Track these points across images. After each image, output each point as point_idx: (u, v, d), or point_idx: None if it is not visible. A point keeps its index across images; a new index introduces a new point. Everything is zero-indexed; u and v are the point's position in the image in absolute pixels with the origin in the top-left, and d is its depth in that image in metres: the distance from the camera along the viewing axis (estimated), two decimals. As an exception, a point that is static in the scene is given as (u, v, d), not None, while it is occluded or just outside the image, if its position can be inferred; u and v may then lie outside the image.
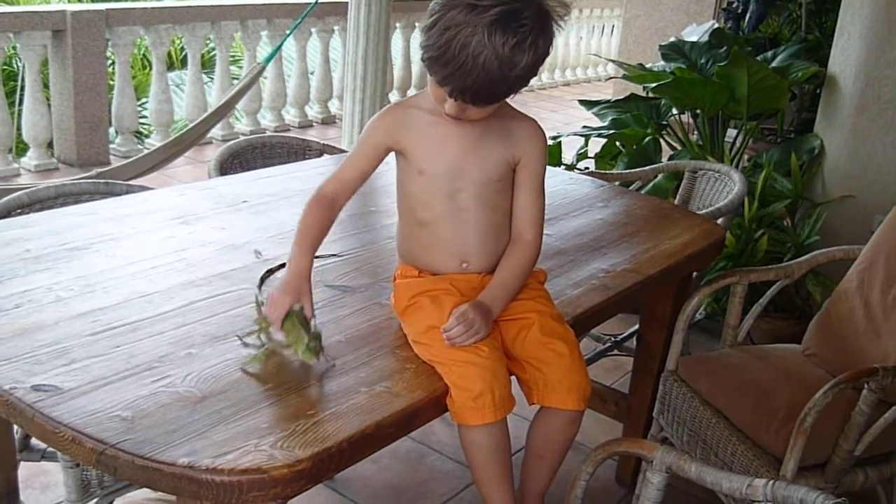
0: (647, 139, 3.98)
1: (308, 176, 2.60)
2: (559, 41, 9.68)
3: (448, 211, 1.71)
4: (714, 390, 2.37)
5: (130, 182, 2.55)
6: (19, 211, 2.28)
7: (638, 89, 4.75)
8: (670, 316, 2.53)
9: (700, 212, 2.89)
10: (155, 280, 1.84)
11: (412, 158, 1.71)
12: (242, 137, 2.93)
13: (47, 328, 1.61)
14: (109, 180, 2.46)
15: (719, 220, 2.81)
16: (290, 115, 6.90)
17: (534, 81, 9.43)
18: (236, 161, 2.84)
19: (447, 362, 1.58)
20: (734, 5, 5.48)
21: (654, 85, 3.83)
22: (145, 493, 1.90)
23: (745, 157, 4.34)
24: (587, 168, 4.32)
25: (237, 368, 1.52)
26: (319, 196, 1.72)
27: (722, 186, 3.17)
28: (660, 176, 3.61)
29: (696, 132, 4.42)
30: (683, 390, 2.44)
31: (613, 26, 10.19)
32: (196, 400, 1.42)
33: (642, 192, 3.48)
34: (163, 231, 2.11)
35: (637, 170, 3.40)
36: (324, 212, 1.71)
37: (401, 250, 1.82)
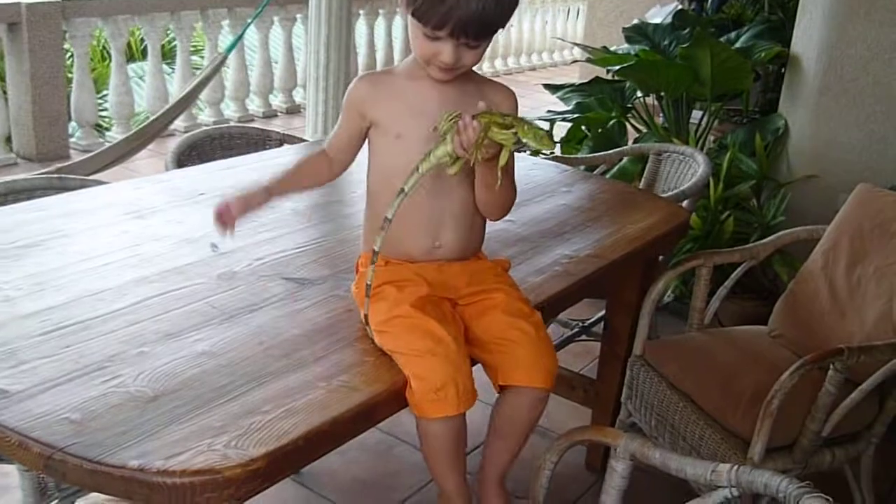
0: (611, 122, 3.96)
1: (267, 167, 2.54)
2: (524, 25, 9.71)
3: (422, 190, 1.66)
4: (680, 374, 2.36)
5: (87, 178, 2.49)
6: (-31, 209, 2.22)
7: (603, 73, 4.73)
8: (636, 300, 2.52)
9: (664, 194, 2.87)
10: (107, 277, 1.79)
11: (389, 123, 1.69)
12: (200, 129, 2.87)
13: (-6, 329, 1.56)
14: (63, 175, 2.41)
15: (684, 203, 2.81)
16: (254, 105, 6.83)
17: (499, 66, 9.49)
18: (194, 153, 2.79)
19: (408, 352, 1.55)
20: (697, -14, 5.47)
21: (617, 67, 3.80)
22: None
23: (711, 138, 4.34)
24: (552, 153, 4.30)
25: (191, 366, 1.48)
26: (309, 153, 1.78)
27: (686, 169, 3.16)
28: (625, 159, 3.60)
29: (661, 114, 4.41)
30: (650, 375, 2.42)
31: (579, 9, 10.16)
32: (147, 399, 1.38)
33: (607, 175, 3.47)
34: (117, 226, 2.07)
35: (601, 153, 3.38)
36: (308, 163, 1.78)
37: (368, 237, 1.77)
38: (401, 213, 1.61)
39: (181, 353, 1.52)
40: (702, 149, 4.05)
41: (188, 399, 1.39)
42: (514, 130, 1.50)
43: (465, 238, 1.75)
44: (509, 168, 1.66)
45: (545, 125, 4.37)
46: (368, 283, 1.61)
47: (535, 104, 7.96)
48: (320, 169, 1.78)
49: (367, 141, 1.76)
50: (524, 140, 1.51)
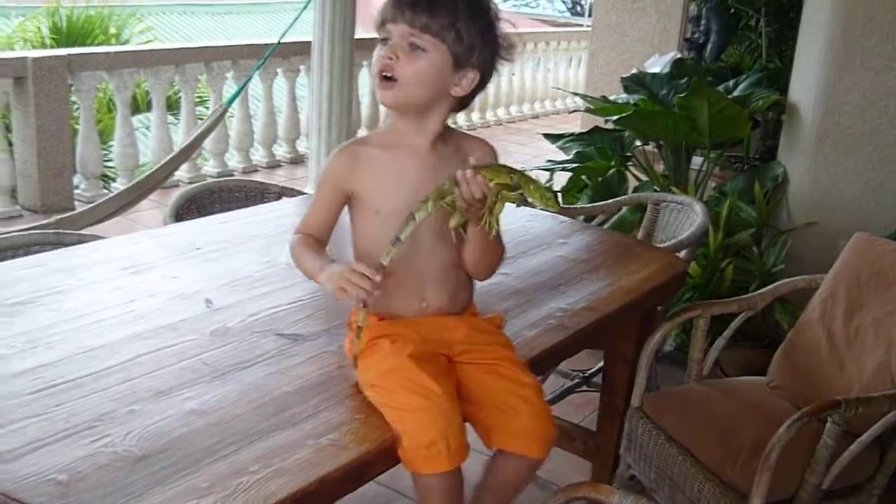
0: (610, 172, 3.97)
1: (264, 220, 2.57)
2: (526, 74, 9.78)
3: (407, 249, 1.64)
4: (679, 427, 2.34)
5: (84, 232, 2.51)
6: (-34, 265, 2.23)
7: (602, 122, 4.76)
8: (634, 351, 2.51)
9: (662, 244, 2.87)
10: (100, 333, 1.80)
11: (366, 198, 1.67)
12: (199, 183, 2.89)
13: (-15, 389, 1.56)
14: (59, 230, 2.43)
15: (682, 252, 2.80)
16: (258, 155, 6.88)
17: (502, 114, 9.54)
18: (193, 206, 2.80)
19: (399, 407, 1.54)
20: (695, 35, 5.52)
21: (616, 117, 3.83)
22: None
23: (711, 184, 4.35)
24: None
25: (180, 425, 1.47)
26: (293, 242, 1.72)
27: (685, 218, 3.16)
28: (624, 209, 3.61)
29: (661, 162, 4.42)
30: (649, 427, 2.41)
31: (581, 58, 10.25)
32: (135, 460, 1.37)
33: (606, 225, 3.47)
34: (111, 282, 2.07)
35: (600, 203, 3.39)
36: (307, 244, 1.70)
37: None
38: (383, 288, 1.57)
39: (171, 411, 1.52)
40: (701, 196, 4.06)
41: (176, 459, 1.38)
42: (520, 192, 1.51)
43: (452, 294, 1.73)
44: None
45: (545, 175, 4.40)
46: (360, 324, 1.62)
47: (537, 152, 8.00)
48: (307, 244, 1.71)
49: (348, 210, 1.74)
50: (529, 200, 1.52)
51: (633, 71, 4.57)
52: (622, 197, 3.43)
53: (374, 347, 1.65)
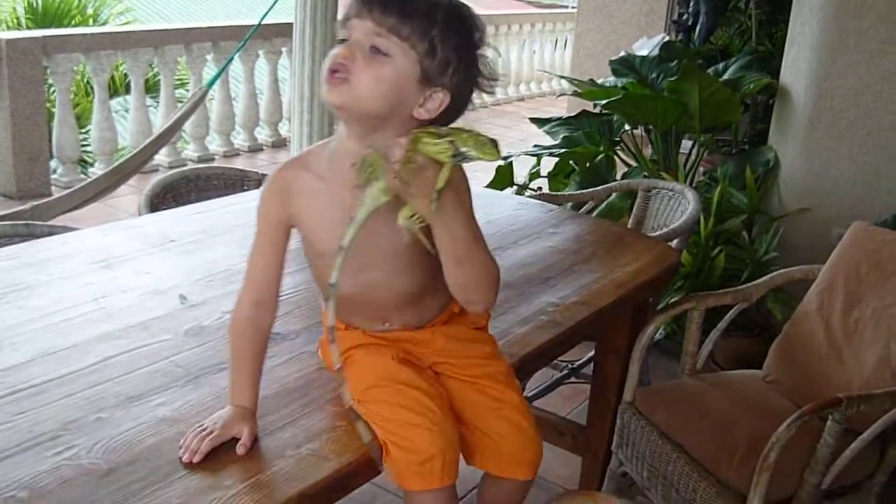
0: (599, 157, 3.89)
1: (243, 209, 2.47)
2: (512, 55, 9.67)
3: (356, 289, 1.46)
4: (672, 423, 2.26)
5: (56, 223, 2.41)
6: (-71, 258, 2.13)
7: (590, 105, 4.68)
8: (626, 344, 2.43)
9: (654, 233, 2.80)
10: (68, 333, 1.70)
11: (307, 236, 1.48)
12: (175, 170, 2.78)
13: (-58, 395, 1.47)
14: (30, 222, 2.32)
15: (674, 241, 2.73)
16: (240, 138, 6.76)
17: (486, 97, 9.37)
18: (169, 195, 2.70)
19: (392, 425, 1.41)
20: (684, 17, 5.44)
21: (605, 102, 3.74)
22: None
23: (701, 169, 4.28)
24: (540, 188, 4.23)
25: (150, 434, 1.39)
26: (236, 325, 1.48)
27: (676, 205, 3.08)
28: (613, 195, 3.53)
29: (650, 146, 4.34)
30: (641, 423, 2.33)
31: (566, 39, 10.15)
32: (101, 474, 1.28)
33: (595, 212, 3.39)
34: (82, 277, 1.98)
35: (589, 190, 3.31)
36: (249, 342, 1.47)
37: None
38: (339, 308, 1.40)
39: (141, 418, 1.43)
40: (691, 182, 3.99)
41: (145, 472, 1.29)
42: (449, 139, 1.28)
43: (417, 315, 1.55)
44: (479, 236, 1.43)
45: (531, 160, 4.31)
46: (330, 324, 1.40)
47: (522, 136, 7.91)
48: (258, 342, 1.48)
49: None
50: (463, 149, 1.27)
51: (622, 54, 4.48)
52: (612, 183, 3.35)
53: (351, 359, 1.51)
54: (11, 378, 1.53)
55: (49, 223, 2.38)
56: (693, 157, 4.07)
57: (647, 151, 4.36)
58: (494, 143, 1.29)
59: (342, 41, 1.36)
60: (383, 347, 1.53)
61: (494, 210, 2.67)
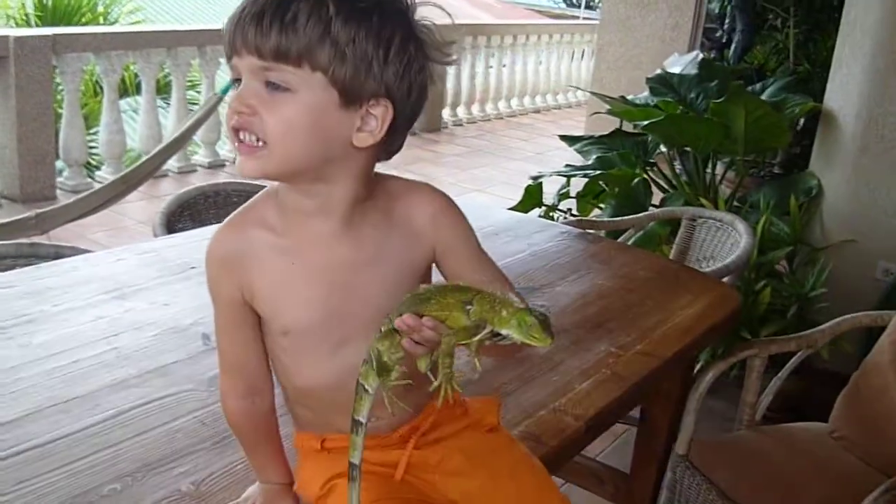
0: (636, 180, 3.69)
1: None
2: (529, 66, 9.48)
3: (333, 373, 1.13)
4: (736, 483, 2.07)
5: (61, 243, 2.21)
6: (-76, 280, 1.93)
7: (611, 120, 4.50)
8: (678, 391, 2.23)
9: (706, 269, 2.60)
10: (77, 380, 1.50)
11: (266, 313, 1.13)
12: (192, 187, 2.59)
13: (-68, 455, 1.27)
14: (35, 241, 2.12)
15: (727, 278, 2.54)
16: (251, 145, 6.56)
17: (502, 108, 9.24)
18: (186, 213, 2.51)
19: None
20: (718, 34, 5.26)
21: (645, 123, 3.55)
22: None
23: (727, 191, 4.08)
24: (569, 209, 4.04)
25: (172, 514, 1.19)
26: (231, 419, 1.21)
27: (724, 236, 2.89)
28: (652, 222, 3.33)
29: (680, 168, 4.14)
30: (697, 480, 2.13)
31: (584, 51, 9.97)
32: (115, 567, 1.09)
33: (632, 240, 3.20)
34: (92, 309, 1.78)
35: (630, 217, 3.11)
36: (254, 431, 1.21)
37: (295, 420, 1.25)
38: (314, 408, 1.18)
39: (159, 493, 1.23)
40: (730, 209, 3.79)
41: (167, 566, 1.10)
42: (489, 330, 0.97)
43: (409, 398, 1.07)
44: (474, 255, 1.19)
45: (558, 180, 4.10)
46: (355, 461, 1.05)
47: (540, 149, 7.74)
48: (265, 419, 1.20)
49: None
50: (503, 332, 0.96)
51: (658, 71, 4.29)
52: (654, 210, 3.16)
53: (333, 489, 1.15)
54: (11, 435, 1.33)
55: (56, 243, 2.18)
56: (722, 180, 3.86)
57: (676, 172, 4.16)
58: (544, 321, 0.95)
59: (236, 82, 1.05)
60: (370, 475, 1.13)
61: (536, 238, 2.48)
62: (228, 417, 1.20)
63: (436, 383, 0.99)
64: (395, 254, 1.13)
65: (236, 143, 1.03)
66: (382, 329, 1.02)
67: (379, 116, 1.04)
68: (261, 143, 1.01)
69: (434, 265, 1.18)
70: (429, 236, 1.15)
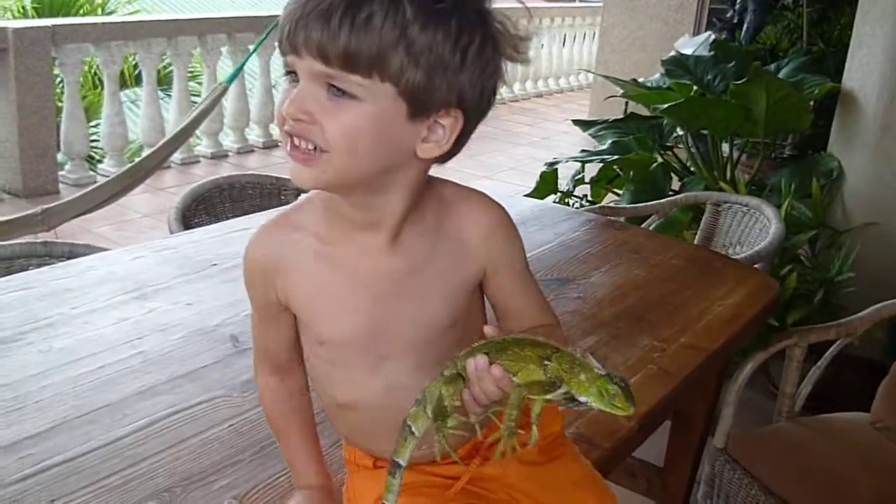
0: (654, 165, 3.62)
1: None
2: (530, 51, 9.32)
3: (374, 392, 1.07)
4: (778, 477, 2.00)
5: (75, 241, 2.13)
6: (-64, 282, 1.86)
7: (620, 104, 4.42)
8: (715, 382, 2.16)
9: (737, 256, 2.53)
10: (103, 387, 1.43)
11: (303, 320, 1.07)
12: (207, 179, 2.51)
13: (-43, 473, 1.20)
14: (48, 240, 2.05)
15: (757, 265, 2.47)
16: (254, 134, 6.48)
17: (504, 93, 9.13)
18: (201, 207, 2.43)
19: None
20: (729, 14, 5.17)
21: (664, 106, 3.47)
22: None
23: (746, 176, 4.00)
24: (584, 196, 3.97)
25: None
26: (267, 403, 1.16)
27: (751, 222, 2.83)
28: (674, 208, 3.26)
29: (693, 150, 4.05)
30: (738, 474, 2.07)
31: (585, 34, 9.87)
32: (160, 592, 1.02)
33: (654, 226, 3.13)
34: (114, 311, 1.70)
35: (653, 203, 3.04)
36: (289, 415, 1.15)
37: (337, 429, 1.20)
38: (358, 427, 1.12)
39: (199, 509, 1.16)
40: (749, 193, 3.72)
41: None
42: (564, 392, 0.91)
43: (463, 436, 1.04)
44: (522, 277, 1.11)
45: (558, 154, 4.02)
46: (401, 462, 1.00)
47: (546, 133, 7.66)
48: (298, 402, 1.15)
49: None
50: (583, 399, 0.90)
51: (672, 53, 4.20)
52: (678, 196, 3.08)
53: None
54: (38, 450, 1.26)
55: (70, 241, 2.10)
56: (754, 167, 3.79)
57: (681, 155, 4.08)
58: (626, 388, 0.89)
59: (290, 74, 0.95)
60: (430, 488, 1.09)
61: (563, 227, 2.40)
62: (264, 405, 1.16)
63: (496, 434, 0.93)
64: (444, 267, 1.05)
65: (289, 149, 0.94)
66: (445, 373, 0.95)
67: (447, 126, 0.95)
68: (317, 152, 0.92)
69: None
70: (480, 252, 1.06)
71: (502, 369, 0.92)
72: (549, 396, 0.91)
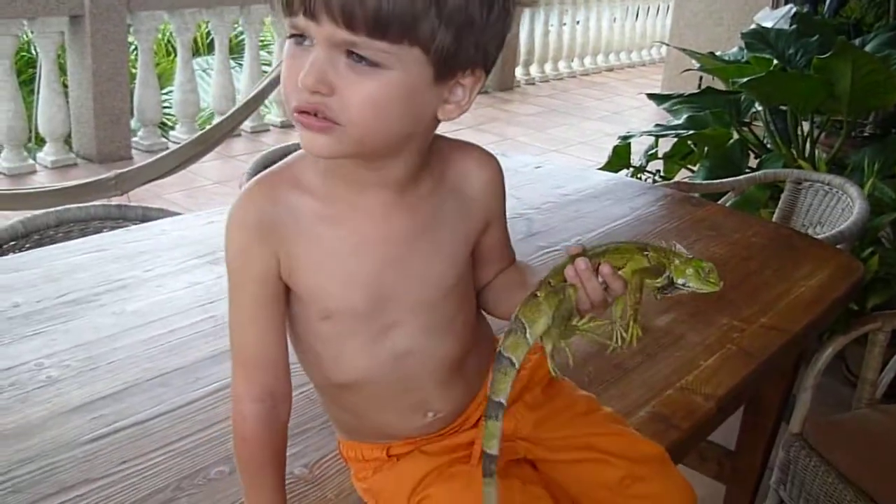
0: (731, 141, 3.52)
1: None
2: (604, 23, 9.23)
3: (376, 362, 1.01)
4: (858, 465, 1.93)
5: (149, 205, 2.14)
6: (13, 243, 1.88)
7: (689, 77, 4.30)
8: (791, 365, 2.10)
9: (819, 236, 2.44)
10: (175, 350, 1.43)
11: (307, 293, 0.98)
12: (280, 146, 2.50)
13: (32, 432, 1.20)
14: (123, 203, 2.06)
15: (839, 246, 2.38)
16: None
17: (575, 66, 9.02)
18: (272, 174, 2.41)
19: None
20: (811, -13, 4.99)
21: (744, 80, 3.36)
22: None
23: (824, 154, 3.88)
24: (658, 171, 3.88)
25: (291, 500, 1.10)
26: (242, 431, 1.00)
27: (833, 201, 2.73)
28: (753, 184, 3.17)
29: (772, 126, 3.93)
30: (815, 461, 2.00)
31: (659, 7, 9.68)
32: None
33: (730, 203, 3.04)
34: (186, 275, 1.70)
35: (730, 179, 2.96)
36: (265, 448, 1.00)
37: (336, 425, 1.14)
38: (361, 411, 1.06)
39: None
40: (829, 172, 3.60)
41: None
42: (667, 275, 0.99)
43: (463, 389, 1.07)
44: (504, 231, 1.12)
45: (647, 140, 3.94)
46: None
47: (616, 108, 7.54)
48: (278, 435, 1.01)
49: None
50: (680, 281, 0.99)
51: (753, 26, 4.07)
52: (756, 173, 2.99)
53: (426, 501, 1.03)
54: (110, 411, 1.26)
55: (143, 205, 2.10)
56: (835, 145, 3.66)
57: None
58: (714, 268, 1.00)
59: (295, 37, 0.86)
60: (459, 465, 1.05)
61: (636, 202, 2.35)
62: (238, 427, 1.00)
63: (621, 322, 0.99)
64: (450, 222, 1.01)
65: (298, 116, 0.86)
66: (539, 293, 0.96)
67: (468, 86, 0.90)
68: (331, 124, 0.85)
69: None
70: (482, 204, 1.04)
71: (610, 265, 0.96)
72: (657, 283, 0.99)
